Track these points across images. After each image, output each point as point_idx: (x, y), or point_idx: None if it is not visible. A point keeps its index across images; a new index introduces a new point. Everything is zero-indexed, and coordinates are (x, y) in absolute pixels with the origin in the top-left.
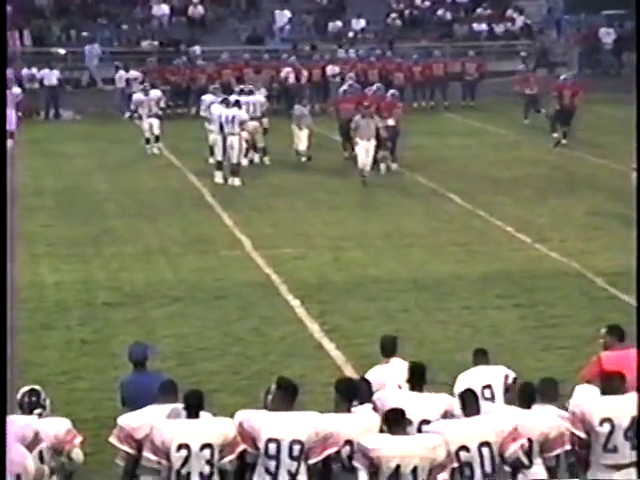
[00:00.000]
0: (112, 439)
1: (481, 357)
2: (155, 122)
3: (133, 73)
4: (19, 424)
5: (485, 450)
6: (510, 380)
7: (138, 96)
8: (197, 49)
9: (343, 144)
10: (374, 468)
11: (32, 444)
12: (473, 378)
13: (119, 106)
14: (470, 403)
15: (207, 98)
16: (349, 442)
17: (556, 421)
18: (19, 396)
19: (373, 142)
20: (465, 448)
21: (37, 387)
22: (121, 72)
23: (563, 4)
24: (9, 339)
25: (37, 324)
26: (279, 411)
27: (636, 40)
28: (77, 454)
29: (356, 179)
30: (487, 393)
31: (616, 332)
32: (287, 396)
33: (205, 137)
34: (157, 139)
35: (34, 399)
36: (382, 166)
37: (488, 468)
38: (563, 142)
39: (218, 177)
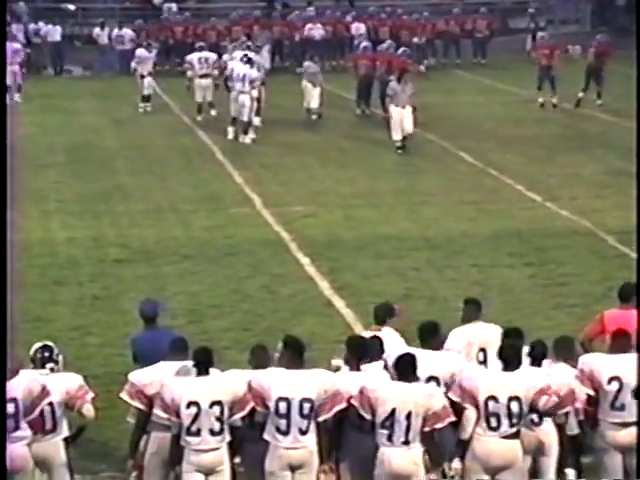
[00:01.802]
0: (123, 395)
1: (475, 310)
2: (152, 81)
3: (127, 32)
4: (25, 378)
5: (514, 404)
6: None
7: (142, 52)
8: (173, 6)
9: (357, 101)
10: (371, 409)
11: (39, 398)
12: (470, 337)
13: (102, 64)
14: (511, 358)
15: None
16: None
17: (566, 379)
18: (32, 352)
19: (409, 109)
20: (494, 398)
21: (50, 343)
22: (107, 29)
23: None
24: (17, 295)
25: (49, 280)
26: (287, 369)
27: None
28: (88, 410)
29: (364, 135)
30: (481, 356)
31: (621, 291)
32: (295, 355)
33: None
34: (149, 98)
35: (47, 354)
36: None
37: (515, 421)
38: (599, 102)
39: (231, 133)
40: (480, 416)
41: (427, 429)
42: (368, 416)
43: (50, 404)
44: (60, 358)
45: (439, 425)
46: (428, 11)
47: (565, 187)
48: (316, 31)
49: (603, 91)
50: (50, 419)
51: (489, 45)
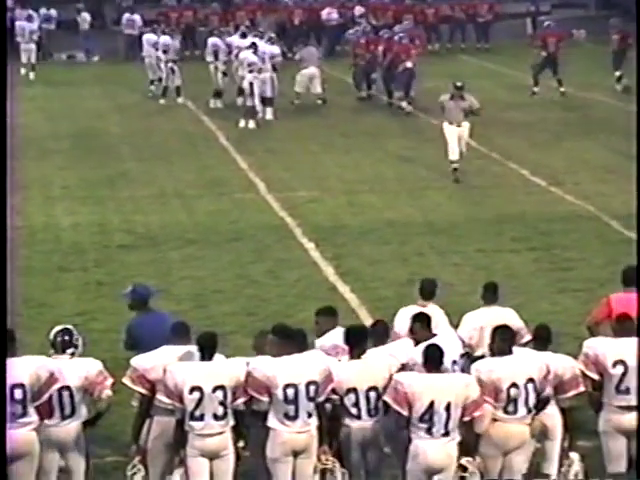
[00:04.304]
0: (125, 380)
1: (491, 294)
2: (177, 69)
3: (137, 17)
4: (34, 364)
5: (530, 386)
6: (523, 340)
7: (166, 39)
8: None
9: (357, 85)
10: (407, 404)
11: (47, 384)
12: (483, 321)
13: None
14: (505, 340)
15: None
16: (353, 390)
17: (570, 363)
18: (52, 335)
19: (466, 125)
20: (515, 385)
21: (69, 326)
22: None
23: None
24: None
25: (53, 266)
26: (280, 356)
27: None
28: (108, 395)
29: (368, 121)
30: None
31: (624, 275)
32: (286, 341)
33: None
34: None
35: (67, 338)
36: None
37: (531, 404)
38: (622, 84)
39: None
40: (499, 403)
41: (467, 418)
42: (405, 412)
43: (68, 389)
44: (80, 342)
45: (477, 413)
46: None
47: (569, 172)
48: (333, 15)
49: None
50: (68, 404)
51: (491, 29)
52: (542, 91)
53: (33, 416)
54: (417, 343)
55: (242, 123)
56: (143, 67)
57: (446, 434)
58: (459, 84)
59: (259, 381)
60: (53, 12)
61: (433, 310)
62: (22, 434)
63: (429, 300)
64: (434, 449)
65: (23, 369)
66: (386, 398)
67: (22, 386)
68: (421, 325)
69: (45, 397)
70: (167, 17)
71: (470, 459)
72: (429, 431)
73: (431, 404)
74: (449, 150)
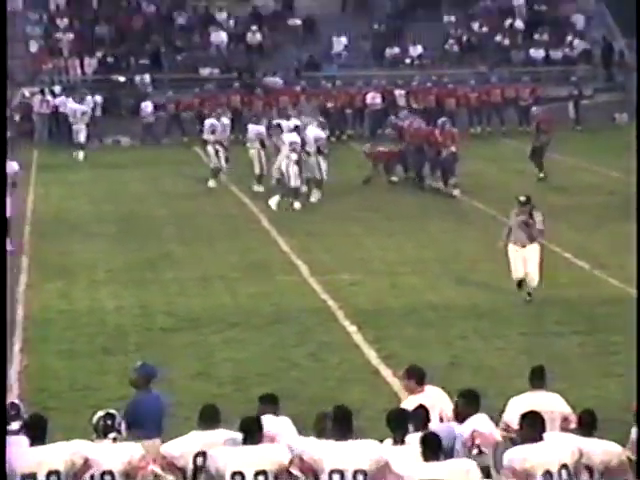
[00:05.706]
0: (154, 467)
1: (538, 378)
2: (223, 152)
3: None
4: (69, 450)
5: (564, 472)
6: (571, 426)
7: (214, 122)
8: (146, 77)
9: (386, 171)
10: None
11: (81, 471)
12: (528, 407)
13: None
14: (534, 426)
15: (251, 127)
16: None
17: (617, 449)
18: (94, 420)
19: (535, 247)
20: (549, 473)
21: (112, 411)
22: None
23: (619, 29)
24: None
25: (97, 349)
26: (337, 441)
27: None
28: None
29: (411, 203)
30: None
31: None
32: (343, 425)
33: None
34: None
35: (109, 423)
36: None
37: None
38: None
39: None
40: None
41: None
42: None
43: (110, 473)
44: (122, 427)
45: None
46: (474, 79)
47: (613, 254)
48: (377, 99)
49: None
50: None
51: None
52: (582, 175)
53: None
54: (463, 420)
55: (296, 204)
56: (179, 150)
57: None
58: (522, 199)
59: (307, 463)
60: (98, 99)
61: (432, 392)
62: None
63: (422, 385)
64: None
65: (58, 456)
66: None
67: (57, 473)
68: (465, 401)
69: None
70: (213, 101)
71: None
72: None
73: None
74: (512, 270)
